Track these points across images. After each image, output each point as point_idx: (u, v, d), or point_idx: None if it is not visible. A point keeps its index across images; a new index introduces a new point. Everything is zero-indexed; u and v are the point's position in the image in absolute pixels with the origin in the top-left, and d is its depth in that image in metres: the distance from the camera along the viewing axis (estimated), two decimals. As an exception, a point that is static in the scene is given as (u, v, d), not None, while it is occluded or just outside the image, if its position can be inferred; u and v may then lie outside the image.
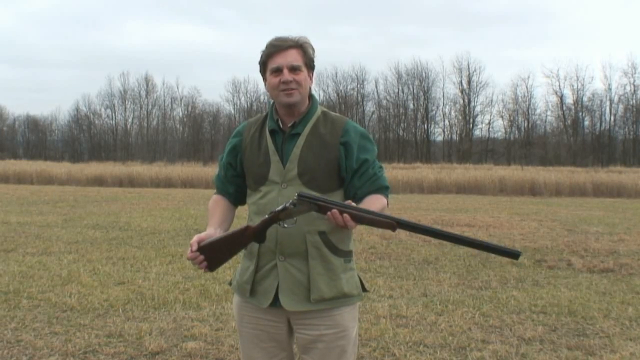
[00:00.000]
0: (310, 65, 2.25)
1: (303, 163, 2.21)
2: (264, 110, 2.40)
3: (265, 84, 2.28)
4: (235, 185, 2.39)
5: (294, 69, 2.19)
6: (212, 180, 2.51)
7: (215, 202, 2.42)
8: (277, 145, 2.25)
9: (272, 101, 2.32)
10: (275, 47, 2.20)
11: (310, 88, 2.28)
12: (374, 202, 2.19)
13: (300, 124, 2.25)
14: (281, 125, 2.27)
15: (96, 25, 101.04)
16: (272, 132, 2.27)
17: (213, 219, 2.34)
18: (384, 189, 2.26)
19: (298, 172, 2.20)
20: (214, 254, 2.16)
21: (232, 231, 2.18)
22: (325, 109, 2.34)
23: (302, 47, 2.22)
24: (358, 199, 2.23)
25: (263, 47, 2.25)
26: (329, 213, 2.01)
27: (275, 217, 2.08)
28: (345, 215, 2.00)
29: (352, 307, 2.30)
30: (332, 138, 2.24)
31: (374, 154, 2.28)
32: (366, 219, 2.02)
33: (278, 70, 2.19)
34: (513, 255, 2.01)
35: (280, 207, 2.07)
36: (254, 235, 2.13)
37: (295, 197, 2.04)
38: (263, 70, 2.26)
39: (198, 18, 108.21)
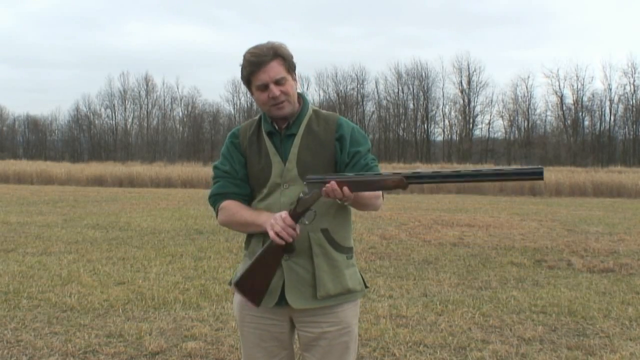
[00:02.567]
0: (292, 69, 2.23)
1: (302, 163, 2.22)
2: (264, 110, 2.38)
3: (251, 95, 2.27)
4: (249, 186, 2.31)
5: (279, 82, 2.18)
6: (211, 193, 2.32)
7: (237, 204, 2.27)
8: (277, 145, 2.26)
9: None
10: (256, 65, 2.16)
11: (296, 88, 2.28)
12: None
13: (295, 125, 2.26)
14: (276, 127, 2.28)
15: (96, 25, 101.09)
16: (270, 134, 2.28)
17: (257, 210, 2.24)
18: None
19: (298, 171, 2.22)
20: (254, 285, 2.16)
21: (259, 255, 2.14)
22: (315, 108, 2.35)
23: (281, 56, 2.19)
24: None
25: (241, 61, 2.21)
26: (326, 186, 2.02)
27: (295, 215, 2.08)
28: (344, 187, 2.01)
29: (354, 303, 2.32)
30: (327, 135, 2.25)
31: (366, 147, 2.28)
32: (371, 185, 2.03)
33: (264, 87, 2.18)
34: (535, 173, 1.83)
35: (295, 204, 2.09)
36: (285, 248, 2.11)
37: (304, 185, 2.08)
38: (247, 85, 2.25)
39: (198, 19, 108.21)
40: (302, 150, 2.23)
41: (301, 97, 2.30)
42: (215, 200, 2.32)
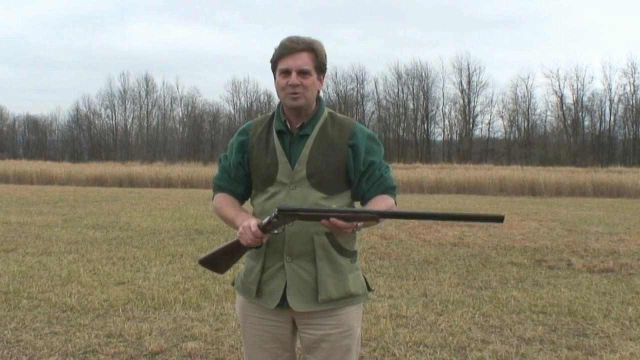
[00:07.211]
0: (320, 69, 2.24)
1: (312, 164, 2.20)
2: (264, 110, 2.41)
3: (274, 82, 2.27)
4: (245, 185, 2.36)
5: (303, 73, 2.17)
6: (211, 181, 2.44)
7: (226, 199, 2.35)
8: (285, 146, 2.24)
9: (279, 101, 2.30)
10: (287, 49, 2.18)
11: (318, 91, 2.27)
12: (380, 203, 2.22)
13: (309, 125, 2.24)
14: (289, 126, 2.26)
15: (97, 27, 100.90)
16: (280, 133, 2.26)
17: (239, 209, 2.32)
18: (390, 190, 2.30)
19: (307, 173, 2.20)
20: (217, 264, 2.30)
21: (228, 244, 2.23)
22: (331, 110, 2.33)
23: (314, 51, 2.20)
24: (366, 200, 2.27)
25: (277, 44, 2.23)
26: (323, 221, 2.03)
27: (263, 229, 2.11)
28: (332, 219, 2.01)
29: (357, 306, 2.31)
30: (340, 140, 2.24)
31: (380, 155, 2.29)
32: (351, 218, 2.05)
33: (287, 72, 2.18)
34: (497, 219, 1.95)
35: (265, 221, 2.10)
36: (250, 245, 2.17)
37: (276, 211, 2.06)
38: (273, 69, 2.25)
39: (200, 20, 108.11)
40: (314, 152, 2.21)
41: (318, 99, 2.29)
42: (214, 187, 2.42)
